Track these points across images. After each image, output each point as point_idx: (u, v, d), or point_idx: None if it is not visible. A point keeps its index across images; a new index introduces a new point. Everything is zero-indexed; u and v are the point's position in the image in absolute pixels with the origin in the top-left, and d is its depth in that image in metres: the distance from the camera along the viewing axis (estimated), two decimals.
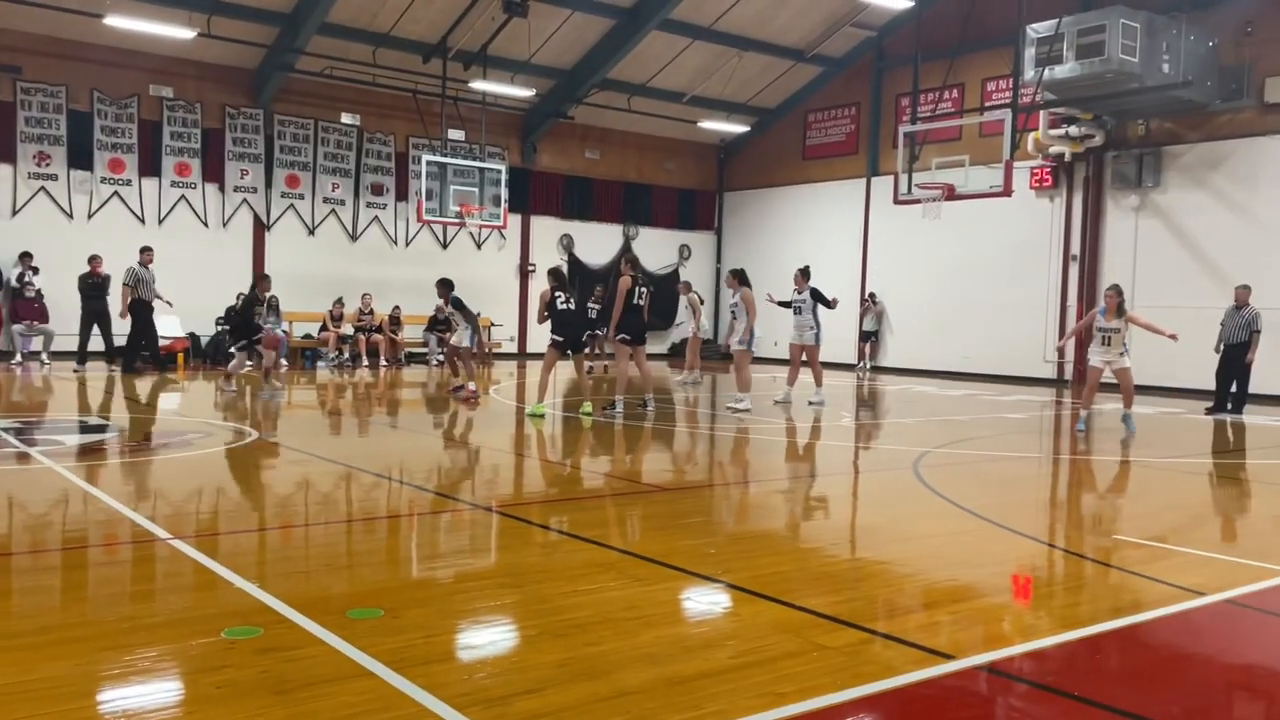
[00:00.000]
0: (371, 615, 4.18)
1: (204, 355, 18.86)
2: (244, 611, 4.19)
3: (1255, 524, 7.27)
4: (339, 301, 19.84)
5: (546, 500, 7.31)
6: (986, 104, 20.05)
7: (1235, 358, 13.75)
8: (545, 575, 4.97)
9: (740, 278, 13.22)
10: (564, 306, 11.73)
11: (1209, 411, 14.23)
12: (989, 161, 16.78)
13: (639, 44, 21.13)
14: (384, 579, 4.96)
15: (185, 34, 17.44)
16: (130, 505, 6.31)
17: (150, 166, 19.22)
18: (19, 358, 17.20)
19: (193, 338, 18.81)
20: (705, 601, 4.69)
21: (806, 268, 14.44)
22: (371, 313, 20.29)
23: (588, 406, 12.03)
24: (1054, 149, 19.19)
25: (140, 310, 16.17)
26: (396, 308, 20.75)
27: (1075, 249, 19.72)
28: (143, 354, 16.45)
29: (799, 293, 14.13)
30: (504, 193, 21.38)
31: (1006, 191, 15.00)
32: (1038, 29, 16.56)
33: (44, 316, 17.54)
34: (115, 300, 16.49)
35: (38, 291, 17.46)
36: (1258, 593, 5.06)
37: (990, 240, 20.37)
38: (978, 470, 9.01)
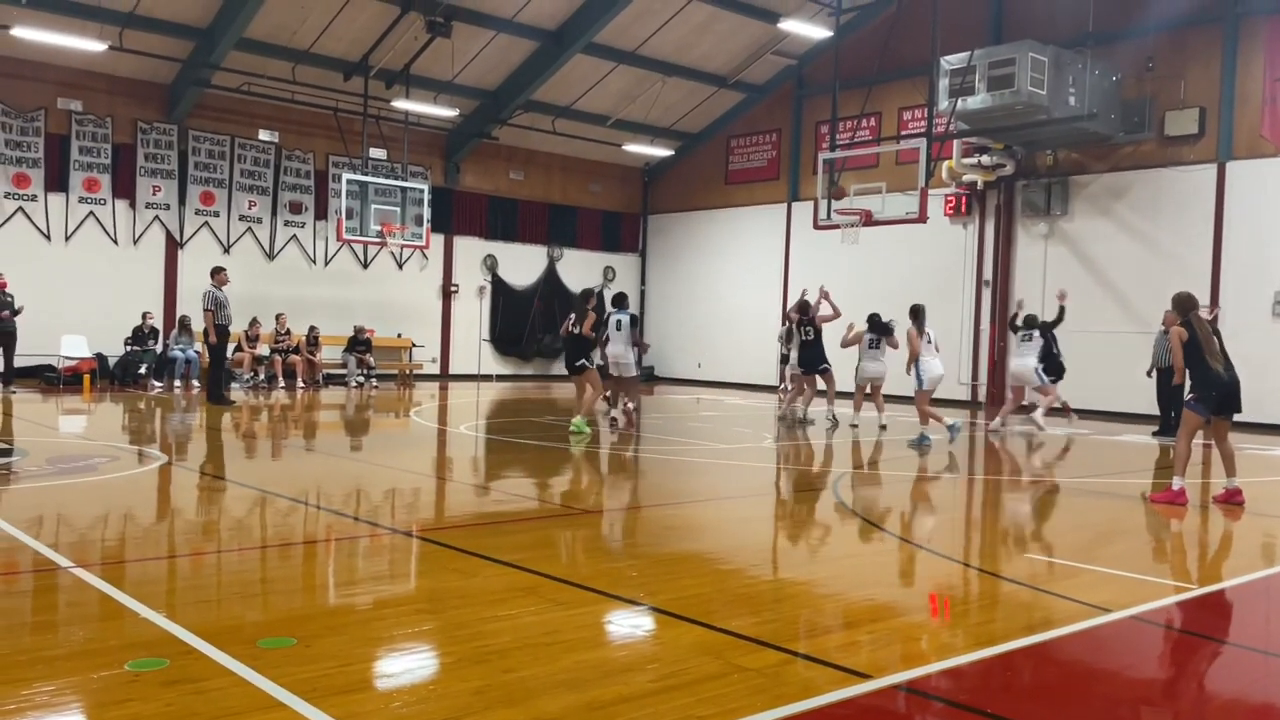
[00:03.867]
0: (283, 644, 4.07)
1: (111, 376, 18.23)
2: (149, 642, 4.04)
3: (1158, 542, 7.53)
4: (254, 322, 19.38)
5: (472, 524, 7.21)
6: (903, 132, 20.57)
7: (1166, 380, 13.98)
8: (464, 600, 4.90)
9: (913, 313, 12.83)
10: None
11: (1155, 435, 14.60)
12: (905, 188, 17.18)
13: (563, 67, 21.19)
14: (297, 607, 4.84)
15: (96, 46, 16.95)
16: (31, 533, 6.04)
17: (57, 182, 18.59)
18: None
19: (100, 358, 18.18)
20: (626, 625, 4.67)
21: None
22: (288, 333, 19.86)
23: (579, 423, 12.37)
24: (967, 177, 19.77)
25: (222, 336, 14.89)
26: (313, 328, 20.34)
27: (988, 274, 20.30)
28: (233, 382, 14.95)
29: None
30: (426, 212, 21.18)
31: (922, 218, 15.36)
32: (951, 61, 17.07)
33: None
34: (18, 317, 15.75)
35: None
36: (1161, 608, 5.24)
37: (907, 265, 20.83)
38: (895, 491, 9.17)
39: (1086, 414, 17.54)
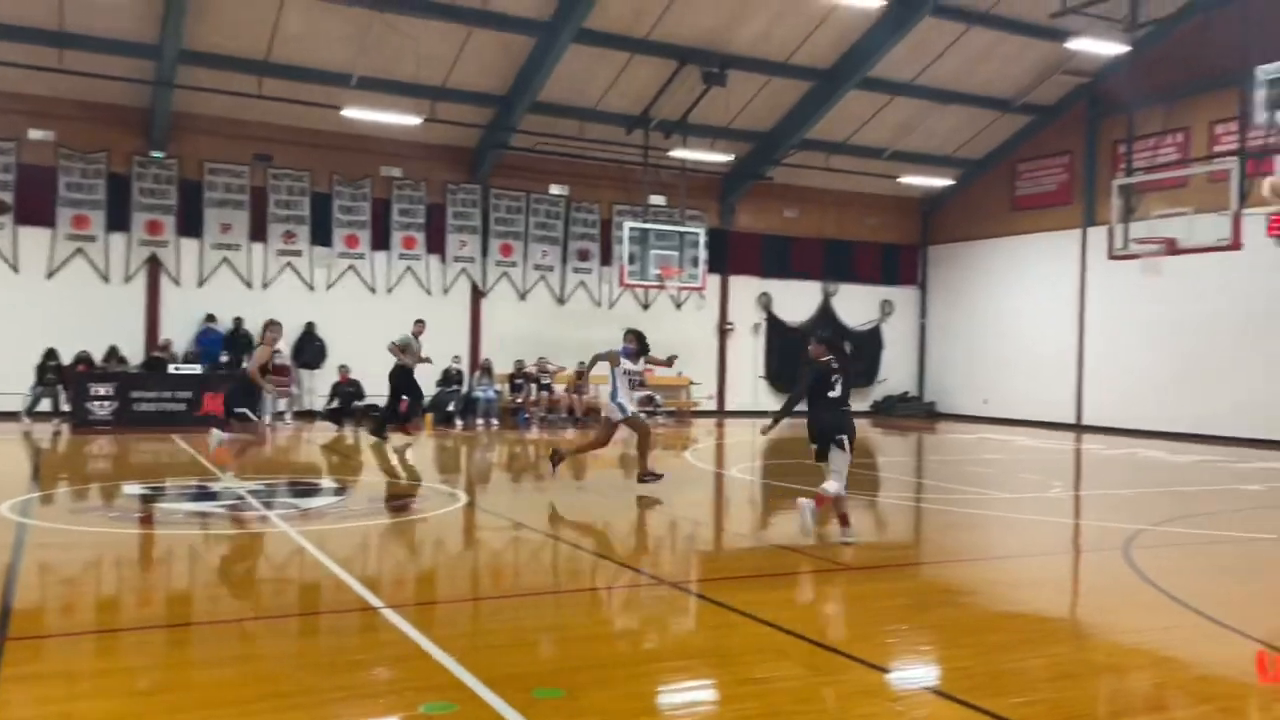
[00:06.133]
0: (554, 695, 4.44)
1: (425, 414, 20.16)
2: (442, 686, 4.54)
3: None
4: (540, 360, 20.84)
5: (740, 576, 7.41)
6: (1215, 148, 18.73)
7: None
8: (722, 660, 5.08)
9: None
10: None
11: None
12: (1219, 208, 15.65)
13: (836, 104, 21.18)
14: (569, 656, 5.22)
15: (413, 120, 19.00)
16: (351, 571, 6.89)
17: (380, 240, 20.96)
18: (268, 418, 19.03)
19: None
20: (879, 697, 4.66)
21: None
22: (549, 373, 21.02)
23: None
24: None
25: (401, 376, 15.52)
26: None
27: None
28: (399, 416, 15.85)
29: None
30: (702, 254, 21.84)
31: (1235, 245, 13.95)
32: (1268, 70, 15.35)
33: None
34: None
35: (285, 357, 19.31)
36: None
37: (1229, 293, 18.83)
38: (1199, 554, 8.38)
39: None
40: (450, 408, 20.06)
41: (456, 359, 20.67)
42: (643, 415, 11.25)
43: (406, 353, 15.19)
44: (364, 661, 5.08)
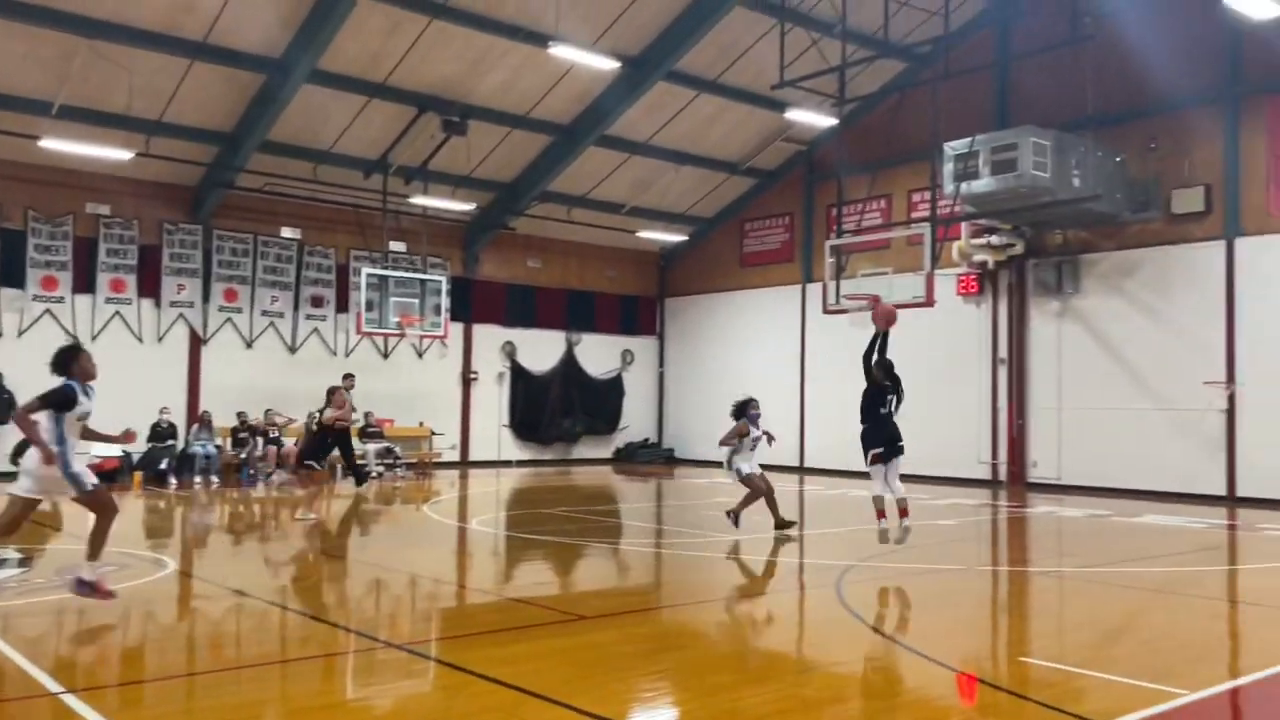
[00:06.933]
0: None
1: (133, 472, 18.47)
2: None
3: (1162, 642, 7.39)
4: (269, 413, 19.64)
5: (468, 634, 7.23)
6: (913, 214, 20.79)
7: None
8: None
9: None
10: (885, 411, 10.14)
11: None
12: (918, 269, 17.31)
13: (577, 159, 21.70)
14: None
15: (123, 155, 17.59)
16: (27, 653, 6.13)
17: (84, 283, 19.14)
18: None
19: (125, 456, 18.45)
20: None
21: None
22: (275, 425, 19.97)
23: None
24: (977, 257, 19.88)
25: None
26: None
27: (1003, 353, 20.28)
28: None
29: None
30: (445, 302, 21.56)
31: (928, 301, 15.47)
32: (954, 146, 17.32)
33: None
34: None
35: None
36: (1154, 718, 5.14)
37: (922, 345, 20.82)
38: (900, 586, 9.08)
39: (1105, 493, 17.32)
40: (163, 465, 18.50)
41: (165, 410, 19.08)
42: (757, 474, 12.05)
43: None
44: None
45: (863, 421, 9.93)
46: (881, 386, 9.81)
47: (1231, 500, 16.64)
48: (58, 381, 7.36)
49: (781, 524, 11.91)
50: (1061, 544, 12.71)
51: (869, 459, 9.88)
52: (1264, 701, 5.78)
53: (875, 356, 9.98)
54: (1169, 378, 17.88)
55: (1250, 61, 17.20)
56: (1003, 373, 20.29)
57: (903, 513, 9.80)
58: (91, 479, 7.39)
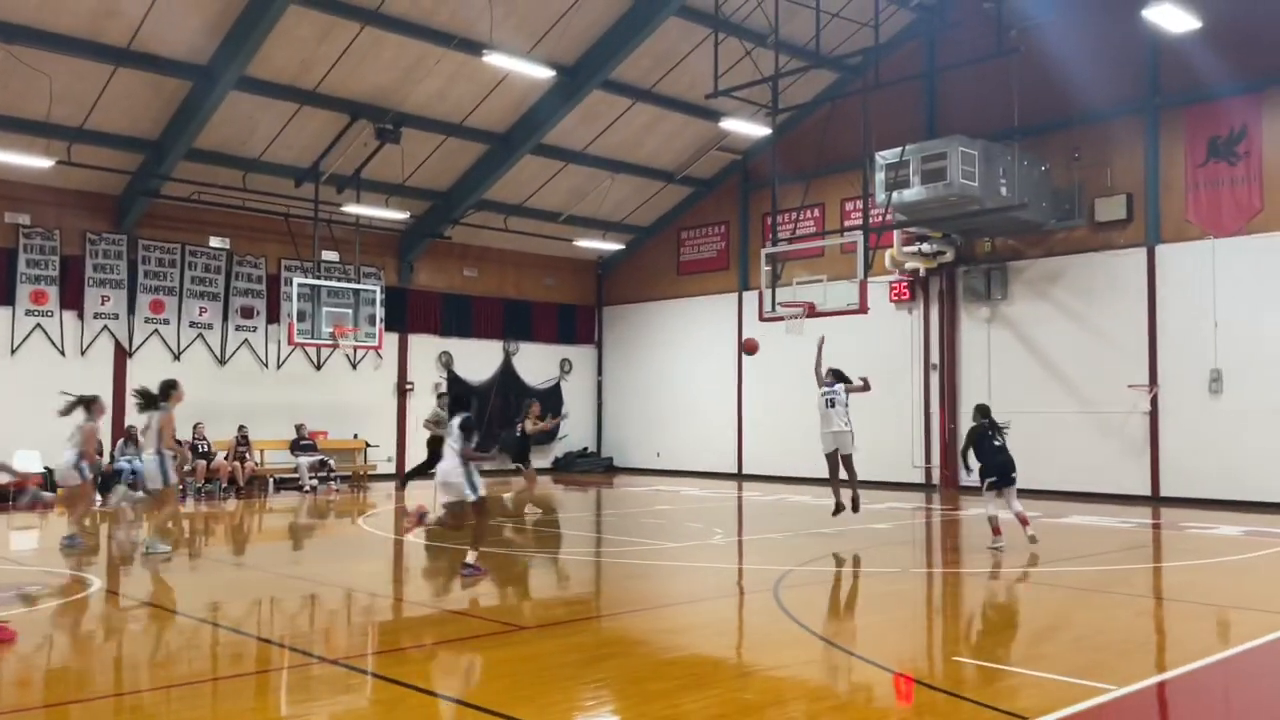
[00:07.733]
0: None
1: (54, 488, 17.87)
2: None
3: (1091, 639, 7.57)
4: (196, 427, 19.22)
5: (427, 644, 7.12)
6: (846, 223, 21.10)
7: None
8: None
9: None
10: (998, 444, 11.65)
11: None
12: (851, 277, 17.55)
13: (513, 168, 21.61)
14: None
15: (43, 163, 17.07)
16: None
17: (4, 295, 18.51)
18: None
19: (48, 472, 17.85)
20: None
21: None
22: (246, 440, 19.69)
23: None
24: (909, 264, 20.25)
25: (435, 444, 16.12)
26: (242, 427, 20.04)
27: (935, 358, 20.66)
28: None
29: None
30: (379, 312, 21.27)
31: (862, 308, 15.69)
32: (885, 156, 17.63)
33: None
34: None
35: None
36: (1085, 712, 5.26)
37: (856, 351, 21.07)
38: (836, 589, 9.18)
39: (1034, 494, 17.71)
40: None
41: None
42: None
43: (440, 425, 15.14)
44: None
45: (977, 457, 11.52)
46: (981, 427, 11.53)
47: (1156, 500, 17.16)
48: None
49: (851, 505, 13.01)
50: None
51: (985, 487, 11.47)
52: (1189, 694, 5.96)
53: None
54: (1094, 381, 18.39)
55: (1168, 74, 17.80)
56: (935, 378, 20.67)
57: (1024, 522, 11.34)
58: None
